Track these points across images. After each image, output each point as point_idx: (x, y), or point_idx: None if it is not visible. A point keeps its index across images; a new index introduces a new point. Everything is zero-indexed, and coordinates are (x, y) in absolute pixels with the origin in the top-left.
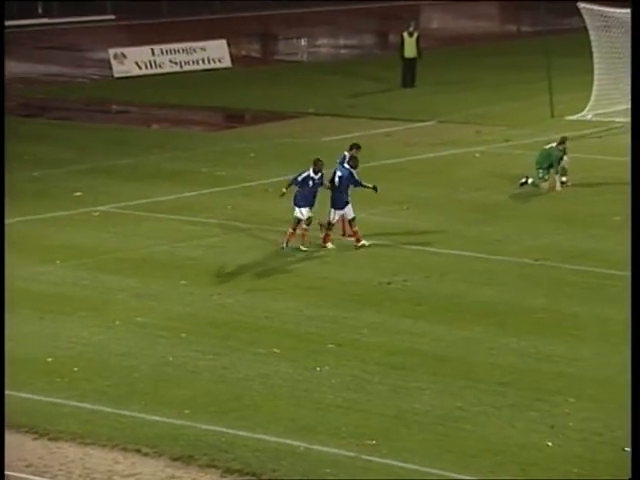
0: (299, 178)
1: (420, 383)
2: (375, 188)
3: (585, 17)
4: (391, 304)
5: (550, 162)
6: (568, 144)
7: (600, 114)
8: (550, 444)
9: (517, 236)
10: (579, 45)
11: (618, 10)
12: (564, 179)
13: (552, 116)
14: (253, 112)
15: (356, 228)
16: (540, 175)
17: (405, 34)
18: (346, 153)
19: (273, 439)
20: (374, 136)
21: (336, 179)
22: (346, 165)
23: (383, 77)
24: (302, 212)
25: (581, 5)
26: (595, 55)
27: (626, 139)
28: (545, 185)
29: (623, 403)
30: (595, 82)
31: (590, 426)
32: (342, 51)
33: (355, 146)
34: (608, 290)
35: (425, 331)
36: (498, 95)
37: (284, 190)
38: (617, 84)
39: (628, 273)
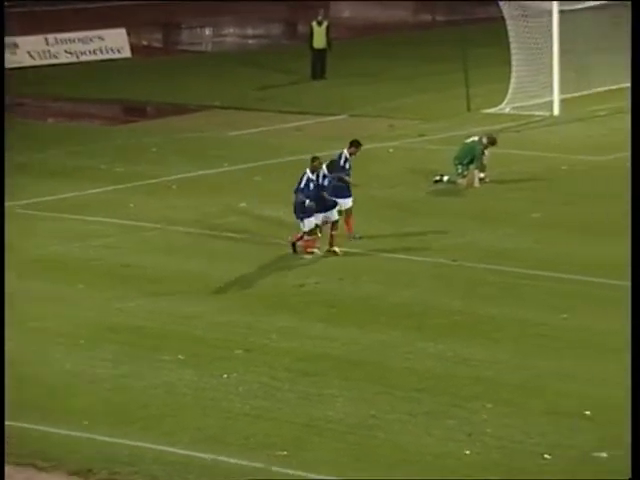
0: (301, 185)
1: (332, 390)
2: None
3: (502, 6)
4: (303, 307)
5: (471, 157)
6: (489, 139)
7: (518, 107)
8: (468, 452)
9: (434, 235)
10: (496, 35)
11: (537, 1)
12: (482, 175)
13: (468, 109)
14: (155, 105)
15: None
16: (459, 171)
17: (314, 23)
18: (345, 151)
19: (179, 451)
20: (284, 131)
21: (325, 181)
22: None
23: (292, 69)
24: (308, 222)
25: None
26: (513, 46)
27: (544, 133)
28: (463, 181)
29: (541, 408)
30: (513, 74)
31: (508, 433)
32: (249, 41)
33: (355, 144)
34: (525, 290)
35: (338, 335)
36: (412, 87)
37: (308, 202)
38: (536, 76)
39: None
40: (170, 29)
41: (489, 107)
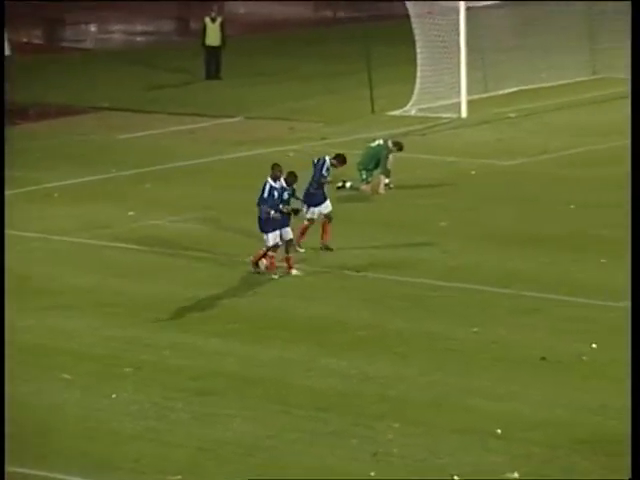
0: (264, 195)
1: (229, 410)
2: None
3: (407, 3)
4: (197, 322)
5: (376, 162)
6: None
7: (424, 109)
8: (373, 474)
9: (337, 245)
10: (401, 33)
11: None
12: (387, 181)
13: (372, 111)
14: (38, 107)
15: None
16: (363, 177)
17: (207, 19)
18: (327, 158)
19: (63, 477)
20: (176, 133)
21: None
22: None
23: (184, 67)
24: (273, 236)
25: None
26: (418, 44)
27: (452, 136)
28: (367, 188)
29: (450, 427)
30: (418, 74)
31: (415, 452)
32: (138, 38)
33: (340, 159)
34: (434, 303)
35: (235, 351)
36: (313, 88)
37: (272, 213)
38: (443, 76)
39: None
40: (53, 25)
41: (394, 109)
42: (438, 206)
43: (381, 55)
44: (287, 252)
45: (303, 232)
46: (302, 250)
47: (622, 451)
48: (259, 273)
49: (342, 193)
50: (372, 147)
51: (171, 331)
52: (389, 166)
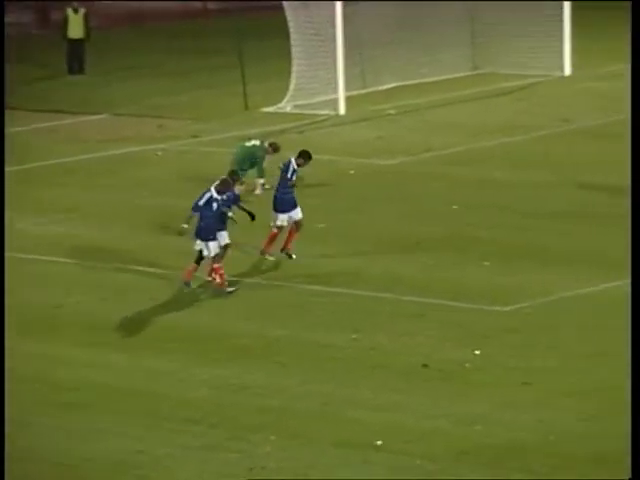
0: (200, 202)
1: (95, 423)
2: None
3: (284, 4)
4: (59, 331)
5: (251, 163)
6: (275, 146)
7: (300, 106)
8: None
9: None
10: (276, 26)
11: None
12: (262, 181)
13: (246, 108)
14: None
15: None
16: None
17: (69, 10)
18: (293, 161)
19: None
20: (36, 131)
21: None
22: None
23: (45, 61)
24: (208, 246)
25: None
26: (293, 38)
27: (329, 134)
28: (242, 188)
29: (329, 439)
30: (294, 70)
31: (293, 466)
32: None
33: (304, 155)
34: (313, 309)
35: (101, 361)
36: (183, 84)
37: (185, 226)
38: (319, 71)
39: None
40: None
41: (269, 105)
42: (316, 207)
43: (255, 49)
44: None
45: (272, 240)
46: (272, 258)
47: (504, 461)
48: (188, 287)
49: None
50: (247, 147)
51: (30, 341)
52: (264, 165)
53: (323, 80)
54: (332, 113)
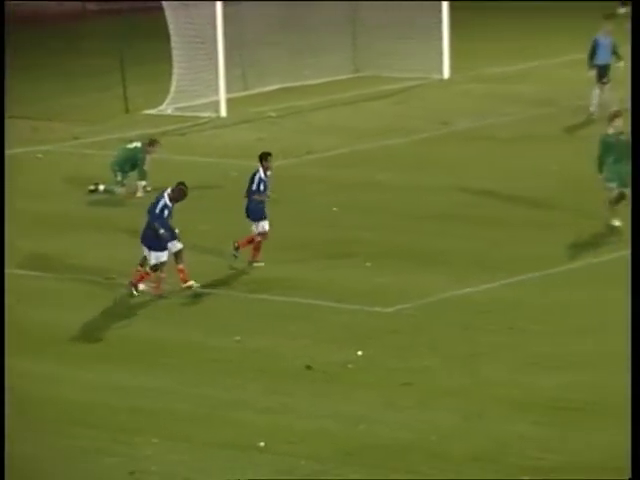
0: (156, 210)
1: None
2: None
3: (164, 4)
4: None
5: (132, 164)
6: (156, 147)
7: (182, 108)
8: None
9: (89, 251)
10: (157, 28)
11: None
12: (144, 184)
13: (127, 111)
14: None
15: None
16: (119, 179)
17: None
18: (260, 170)
19: None
20: None
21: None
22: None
23: None
24: (161, 256)
25: None
26: (174, 39)
27: (211, 137)
28: (123, 190)
29: (213, 441)
30: (175, 71)
31: (177, 470)
32: None
33: (265, 157)
34: (196, 310)
35: None
36: (63, 86)
37: (163, 231)
38: (199, 74)
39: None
40: None
41: (150, 108)
42: (198, 209)
43: (136, 51)
44: (178, 263)
45: (257, 248)
46: (262, 264)
47: (388, 461)
48: (132, 296)
49: (95, 197)
50: (128, 149)
51: None
52: (145, 167)
53: (204, 82)
54: (213, 115)
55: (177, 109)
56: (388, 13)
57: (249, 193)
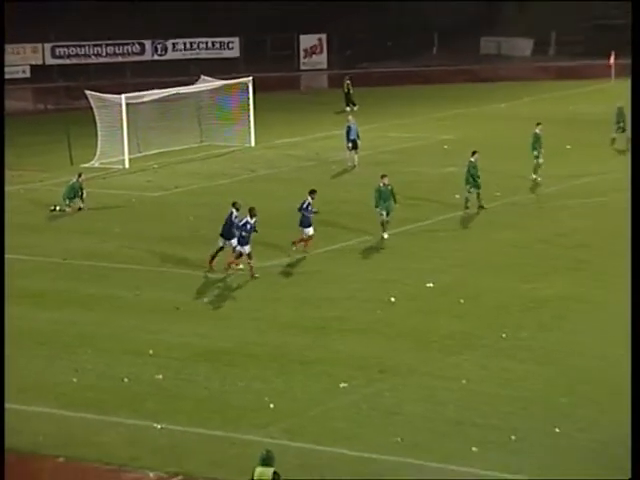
0: (240, 223)
1: None
2: None
3: (89, 97)
4: None
5: (75, 193)
6: (84, 177)
7: (104, 163)
8: None
9: (53, 245)
10: (87, 118)
11: (112, 96)
12: (82, 205)
13: (72, 164)
14: None
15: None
16: (67, 202)
17: None
18: (308, 198)
19: None
20: None
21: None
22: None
23: None
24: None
25: (87, 92)
26: (98, 124)
27: (121, 179)
28: (70, 209)
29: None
30: (99, 141)
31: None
32: None
33: (313, 192)
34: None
35: None
36: (32, 150)
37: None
38: (114, 145)
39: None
40: None
41: (85, 162)
42: (114, 221)
43: (76, 131)
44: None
45: (306, 244)
46: (307, 254)
47: None
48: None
49: (54, 214)
50: (72, 183)
51: None
52: (82, 196)
53: (116, 148)
54: (121, 167)
55: (101, 163)
56: (218, 96)
57: (301, 210)
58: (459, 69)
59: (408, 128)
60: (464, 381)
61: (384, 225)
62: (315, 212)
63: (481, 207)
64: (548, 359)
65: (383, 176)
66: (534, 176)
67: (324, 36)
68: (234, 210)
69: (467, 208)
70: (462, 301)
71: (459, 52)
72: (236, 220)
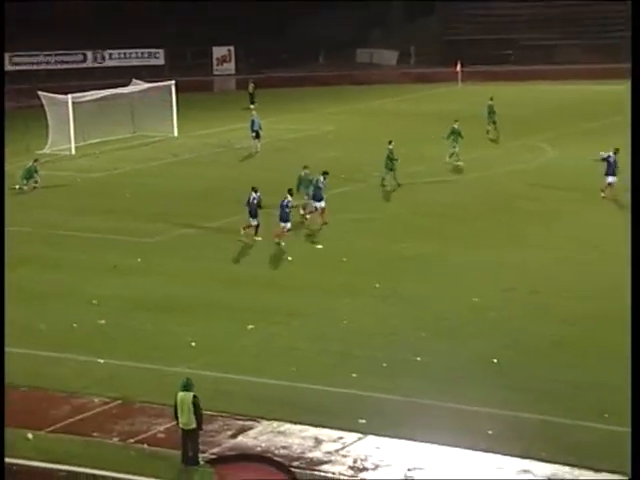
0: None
1: None
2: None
3: (41, 96)
4: None
5: (30, 174)
6: (38, 161)
7: (54, 149)
8: None
9: (16, 215)
10: (39, 113)
11: (60, 96)
12: (37, 184)
13: (27, 151)
14: None
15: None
16: (25, 182)
17: None
18: (320, 177)
19: None
20: None
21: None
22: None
23: None
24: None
25: (40, 93)
26: (49, 119)
27: (68, 163)
28: (27, 188)
29: None
30: (50, 134)
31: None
32: None
33: (326, 172)
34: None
35: None
36: None
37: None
38: (63, 135)
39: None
40: None
41: (39, 150)
42: (63, 197)
43: (33, 124)
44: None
45: (321, 215)
46: (320, 225)
47: None
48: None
49: (16, 192)
50: (29, 166)
51: None
52: (37, 177)
53: (64, 137)
54: (69, 153)
55: (52, 150)
56: (147, 96)
57: (282, 206)
58: (340, 74)
59: (300, 121)
60: (345, 321)
61: (304, 208)
62: (294, 206)
63: (398, 184)
64: (412, 303)
65: (305, 167)
66: (449, 159)
67: (232, 48)
68: (253, 193)
69: (383, 186)
70: (345, 259)
71: (340, 61)
72: (254, 201)
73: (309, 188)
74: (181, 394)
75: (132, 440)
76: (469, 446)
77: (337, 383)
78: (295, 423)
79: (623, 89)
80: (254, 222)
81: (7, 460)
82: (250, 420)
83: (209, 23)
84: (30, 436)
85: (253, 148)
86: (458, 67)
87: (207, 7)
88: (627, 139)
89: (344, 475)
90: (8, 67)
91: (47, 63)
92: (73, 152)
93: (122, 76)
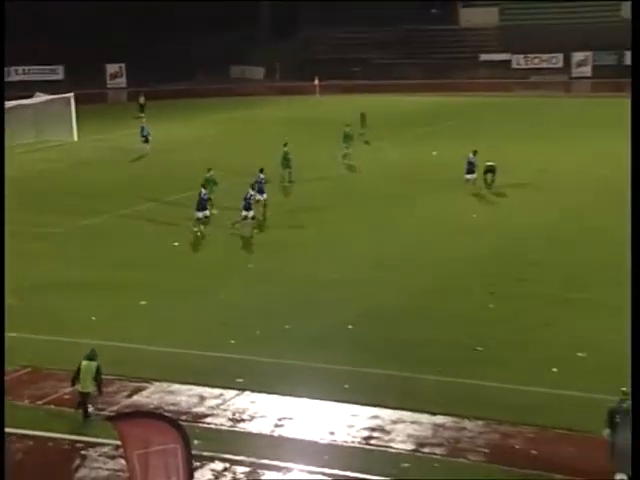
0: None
1: None
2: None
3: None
4: None
5: None
6: None
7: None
8: None
9: None
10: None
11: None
12: None
13: None
14: None
15: None
16: None
17: None
18: (260, 174)
19: None
20: None
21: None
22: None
23: None
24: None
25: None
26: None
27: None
28: None
29: None
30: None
31: None
32: None
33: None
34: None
35: None
36: None
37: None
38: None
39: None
40: None
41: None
42: (54, 188)
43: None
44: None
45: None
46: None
47: None
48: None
49: None
50: None
51: None
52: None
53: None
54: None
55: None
56: (49, 107)
57: (245, 199)
58: (217, 87)
59: (183, 128)
60: (222, 295)
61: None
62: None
63: (291, 181)
64: (280, 279)
65: (209, 169)
66: (345, 161)
67: (124, 65)
68: (203, 189)
69: (283, 182)
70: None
71: (216, 76)
72: (204, 197)
73: (214, 190)
74: (85, 363)
75: (40, 402)
76: (329, 398)
77: (218, 349)
78: (182, 383)
79: (447, 101)
80: (200, 214)
81: None
82: (143, 382)
83: (102, 43)
84: None
85: (143, 151)
86: (316, 81)
87: (100, 27)
88: (449, 142)
89: (224, 426)
90: None
91: None
92: (76, 138)
93: (26, 90)
